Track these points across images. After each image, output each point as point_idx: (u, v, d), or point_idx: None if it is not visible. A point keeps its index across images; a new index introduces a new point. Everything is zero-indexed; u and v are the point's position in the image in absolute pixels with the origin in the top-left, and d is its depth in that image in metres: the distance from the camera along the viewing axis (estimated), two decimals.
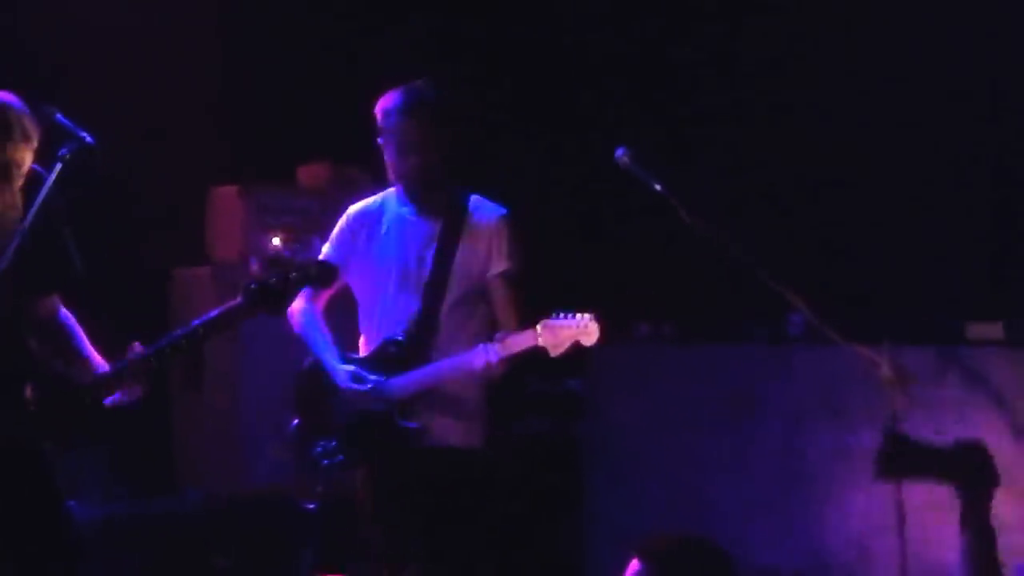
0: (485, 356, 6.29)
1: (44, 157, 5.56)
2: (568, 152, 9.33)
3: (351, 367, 6.58)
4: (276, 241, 5.95)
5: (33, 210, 5.42)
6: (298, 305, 6.69)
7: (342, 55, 9.47)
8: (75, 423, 5.72)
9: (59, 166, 5.45)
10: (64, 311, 5.81)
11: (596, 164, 6.93)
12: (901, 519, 7.01)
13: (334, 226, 7.66)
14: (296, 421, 6.77)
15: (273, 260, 5.79)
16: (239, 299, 5.59)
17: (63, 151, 5.46)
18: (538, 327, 6.25)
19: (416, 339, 6.58)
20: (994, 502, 7.13)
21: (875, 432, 7.18)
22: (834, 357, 7.19)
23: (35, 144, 5.55)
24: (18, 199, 5.55)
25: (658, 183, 6.47)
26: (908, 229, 8.66)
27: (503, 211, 6.67)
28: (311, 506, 6.58)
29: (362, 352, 6.68)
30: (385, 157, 6.63)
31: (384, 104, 6.59)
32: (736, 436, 8.18)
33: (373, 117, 6.62)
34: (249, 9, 9.37)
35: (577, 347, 6.31)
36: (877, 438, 7.17)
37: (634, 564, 5.11)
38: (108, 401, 5.63)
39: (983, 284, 8.43)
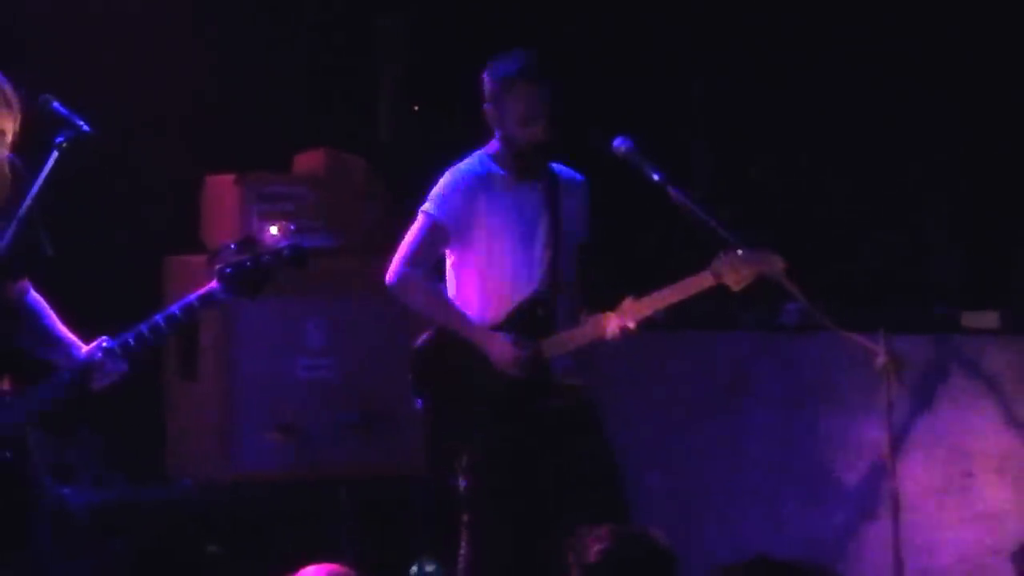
0: (619, 323, 6.33)
1: (41, 145, 5.42)
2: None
3: (510, 335, 6.43)
4: (273, 230, 5.88)
5: (25, 203, 5.35)
6: (414, 276, 6.56)
7: (337, 43, 9.42)
8: (60, 409, 5.58)
9: (55, 154, 5.36)
10: (34, 294, 5.67)
11: (580, 153, 6.83)
12: (896, 506, 7.00)
13: (330, 214, 7.57)
14: (420, 401, 6.63)
15: (244, 242, 5.72)
16: (214, 283, 5.55)
17: (59, 139, 5.38)
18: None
19: (554, 299, 6.56)
20: (990, 487, 7.36)
21: (870, 420, 7.42)
22: (829, 345, 7.19)
23: (18, 115, 5.41)
24: (5, 169, 5.45)
25: (656, 173, 6.43)
26: (904, 219, 8.62)
27: (582, 177, 6.69)
28: (460, 481, 6.44)
29: (484, 313, 6.55)
30: (494, 121, 6.55)
31: (505, 69, 6.53)
32: (730, 423, 8.10)
33: (480, 81, 6.56)
34: None
35: (761, 279, 6.32)
36: (873, 425, 7.27)
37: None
38: (96, 384, 5.51)
39: (978, 274, 8.33)
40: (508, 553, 6.37)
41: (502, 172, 6.55)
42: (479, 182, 6.55)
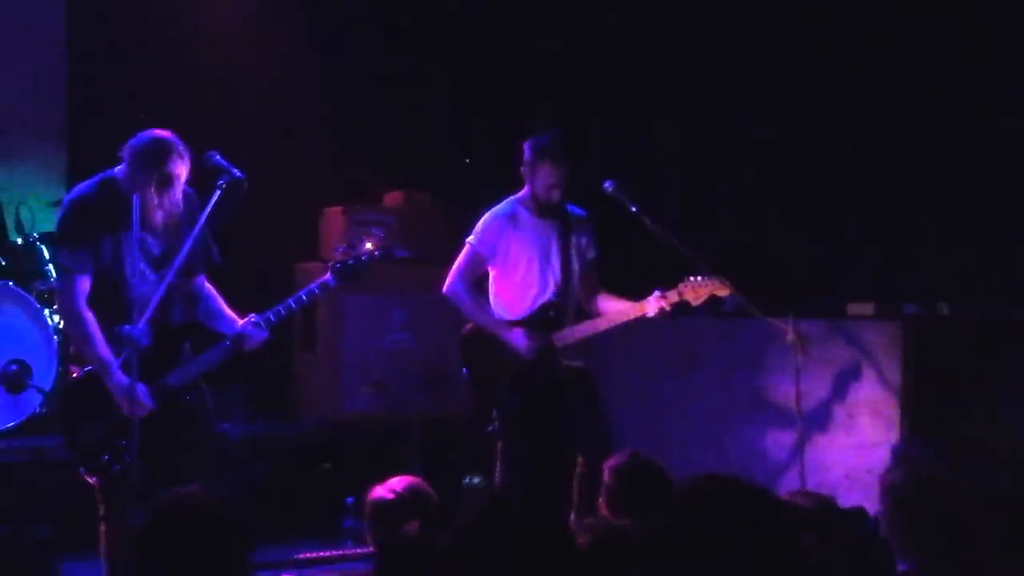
0: (659, 304, 6.36)
1: (208, 186, 5.49)
2: None
3: (523, 328, 6.50)
4: (368, 245, 5.97)
5: (199, 225, 5.41)
6: (460, 289, 6.62)
7: (419, 109, 9.11)
8: (222, 365, 5.61)
9: (218, 192, 5.42)
10: (207, 285, 5.71)
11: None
12: (801, 439, 7.09)
13: (408, 235, 7.65)
14: (465, 370, 6.69)
15: (348, 250, 5.89)
16: (328, 275, 5.67)
17: (221, 181, 5.44)
18: (683, 285, 6.36)
19: (564, 304, 6.58)
20: (866, 425, 7.20)
21: (784, 379, 7.34)
22: (756, 327, 7.13)
23: (188, 163, 5.45)
24: (182, 203, 5.48)
25: (634, 206, 6.51)
26: (808, 234, 8.41)
27: (586, 213, 6.71)
28: (494, 427, 6.52)
29: (515, 313, 6.57)
30: (527, 177, 6.58)
31: (539, 147, 6.53)
32: (683, 383, 8.01)
33: (521, 149, 6.59)
34: (348, 70, 9.06)
35: (712, 299, 6.45)
36: (786, 383, 7.23)
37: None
38: (247, 347, 5.55)
39: (860, 274, 8.16)
40: (524, 476, 6.43)
41: (527, 213, 6.61)
42: (509, 220, 6.60)
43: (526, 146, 6.58)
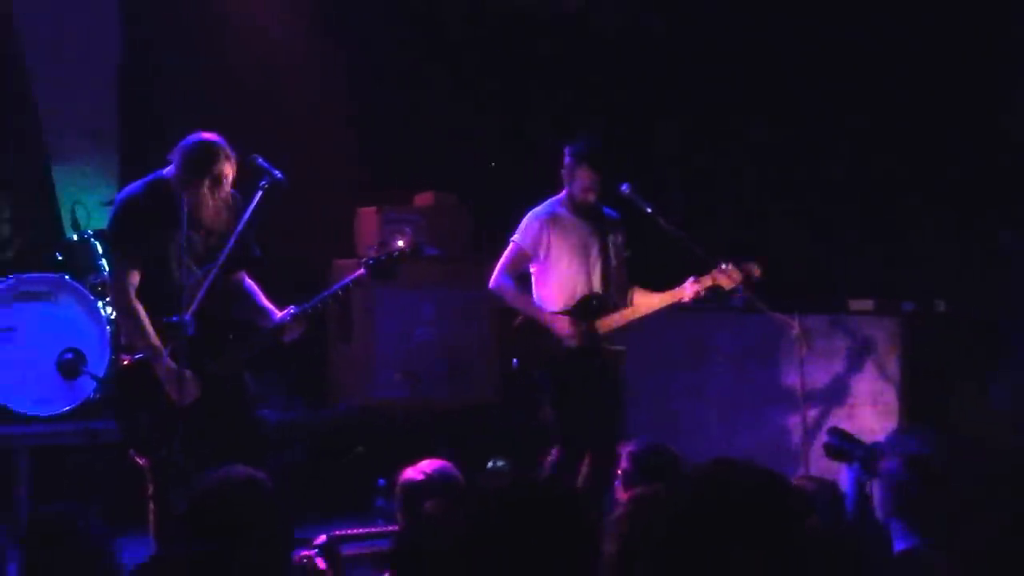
0: (694, 289, 6.43)
1: (250, 186, 5.53)
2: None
3: (568, 317, 6.51)
4: (400, 243, 5.97)
5: (242, 223, 5.45)
6: (505, 283, 6.64)
7: (448, 117, 9.02)
8: (262, 354, 5.67)
9: (260, 193, 5.47)
10: (248, 280, 5.75)
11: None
12: (805, 425, 7.08)
13: (436, 234, 7.63)
14: (516, 361, 6.68)
15: (380, 247, 5.88)
16: (362, 270, 5.68)
17: (263, 183, 5.48)
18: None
19: (604, 295, 6.59)
20: (866, 414, 7.21)
21: (789, 370, 7.38)
22: (763, 321, 7.07)
23: (235, 165, 5.50)
24: (228, 202, 5.54)
25: (649, 206, 6.53)
26: (812, 234, 8.32)
27: (618, 214, 6.73)
28: (546, 410, 6.58)
29: (557, 305, 6.57)
30: (566, 179, 6.60)
31: (578, 152, 6.55)
32: (695, 373, 8.00)
33: (562, 152, 6.61)
34: (383, 80, 9.01)
35: (733, 291, 6.53)
36: (791, 374, 7.25)
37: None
38: (287, 339, 5.59)
39: (861, 272, 8.06)
40: (576, 452, 6.39)
41: (567, 213, 6.63)
42: (550, 220, 6.61)
43: (566, 151, 6.59)
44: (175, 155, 5.49)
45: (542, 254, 6.60)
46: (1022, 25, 7.93)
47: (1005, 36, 8.01)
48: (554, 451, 6.49)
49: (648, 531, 3.26)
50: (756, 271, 6.46)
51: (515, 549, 2.74)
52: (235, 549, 3.44)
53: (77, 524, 3.70)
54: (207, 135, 5.51)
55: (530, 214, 6.67)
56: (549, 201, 6.68)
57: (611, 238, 6.64)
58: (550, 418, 6.56)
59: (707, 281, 6.43)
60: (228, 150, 5.49)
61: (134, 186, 5.59)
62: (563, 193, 6.64)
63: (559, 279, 6.61)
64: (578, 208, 6.61)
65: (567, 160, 6.57)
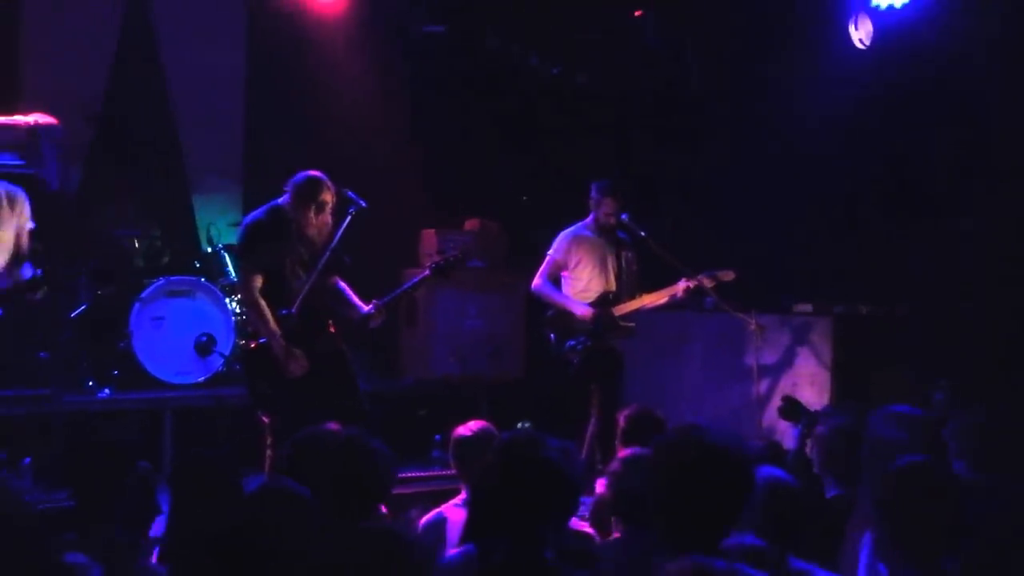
0: (685, 286, 6.52)
1: (342, 211, 5.55)
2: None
3: (588, 304, 6.63)
4: (455, 253, 6.07)
5: (335, 239, 5.49)
6: (543, 284, 6.71)
7: (491, 159, 8.87)
8: (354, 338, 5.69)
9: (348, 218, 5.50)
10: (341, 282, 5.70)
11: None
12: (759, 400, 7.04)
13: (481, 250, 7.57)
14: (552, 336, 6.72)
15: (439, 254, 6.11)
16: (427, 271, 5.78)
17: (351, 209, 5.51)
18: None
19: (618, 292, 6.69)
20: (806, 391, 7.07)
21: (747, 355, 7.30)
22: (728, 319, 7.05)
23: (334, 195, 5.49)
24: (327, 223, 5.51)
25: (643, 231, 6.61)
26: (770, 247, 7.93)
27: (630, 238, 6.77)
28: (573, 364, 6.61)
29: (584, 298, 6.68)
30: (593, 208, 6.68)
31: (602, 188, 6.67)
32: (677, 358, 7.99)
33: (588, 188, 6.71)
34: (441, 127, 8.85)
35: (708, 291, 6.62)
36: (749, 358, 7.18)
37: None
38: (372, 325, 5.60)
39: (805, 280, 7.88)
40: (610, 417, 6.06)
41: (590, 233, 6.75)
42: (577, 239, 6.74)
43: (593, 186, 6.70)
44: (289, 187, 5.50)
45: (571, 264, 6.75)
46: None
47: None
48: (593, 421, 6.52)
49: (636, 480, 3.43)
50: (730, 276, 6.56)
51: (526, 488, 2.91)
52: (324, 492, 3.29)
53: (213, 464, 3.68)
54: (314, 172, 5.51)
55: (563, 234, 6.77)
56: (576, 225, 6.78)
57: (624, 254, 6.75)
58: (576, 384, 6.61)
59: (693, 283, 6.52)
60: (329, 184, 5.49)
61: (257, 212, 5.59)
62: (589, 218, 6.74)
63: (584, 284, 6.75)
64: (600, 230, 6.72)
65: (594, 194, 6.68)
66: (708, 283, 6.56)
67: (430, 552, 3.45)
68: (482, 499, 3.08)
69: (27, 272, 5.45)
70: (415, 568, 2.48)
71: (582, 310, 6.65)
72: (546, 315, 6.82)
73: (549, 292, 6.78)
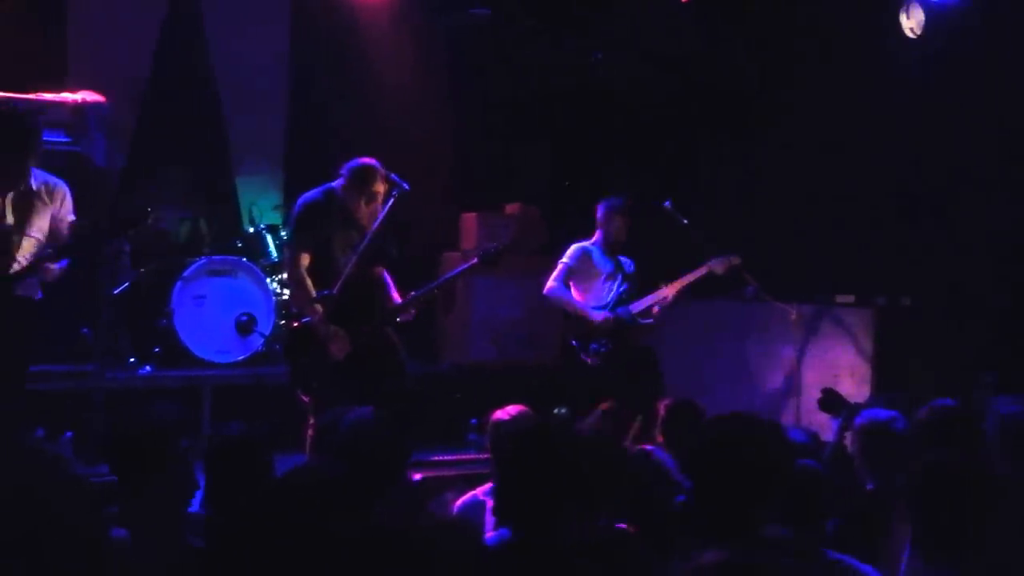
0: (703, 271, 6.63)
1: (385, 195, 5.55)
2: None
3: (603, 311, 6.68)
4: (495, 241, 6.11)
5: (378, 221, 5.47)
6: (557, 288, 6.73)
7: (532, 146, 8.89)
8: (392, 323, 5.68)
9: (392, 201, 5.50)
10: (384, 273, 5.72)
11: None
12: (798, 391, 7.13)
13: (520, 235, 7.65)
14: (575, 342, 6.75)
15: (482, 243, 6.12)
16: (474, 260, 5.81)
17: (395, 192, 5.49)
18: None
19: (628, 295, 6.73)
20: (847, 383, 7.02)
21: (787, 346, 7.39)
22: (768, 308, 7.11)
23: (385, 183, 5.51)
24: (377, 209, 5.52)
25: (685, 219, 6.64)
26: (810, 243, 7.86)
27: (632, 262, 6.87)
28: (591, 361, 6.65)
29: (595, 304, 6.74)
30: (601, 226, 6.75)
31: (612, 206, 6.76)
32: (711, 346, 7.97)
33: (594, 208, 6.80)
34: (488, 116, 8.83)
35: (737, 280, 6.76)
36: (788, 349, 7.23)
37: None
38: (400, 319, 5.61)
39: (847, 272, 7.81)
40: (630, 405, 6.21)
41: (599, 248, 6.81)
42: (586, 253, 6.80)
43: (600, 206, 6.78)
44: (344, 171, 5.51)
45: (583, 274, 6.79)
46: None
47: None
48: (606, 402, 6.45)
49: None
50: (737, 261, 6.59)
51: (556, 469, 2.92)
52: (358, 469, 3.31)
53: (248, 440, 3.63)
54: (368, 160, 5.53)
55: (575, 246, 6.84)
56: (588, 241, 6.84)
57: (624, 265, 6.80)
58: (596, 376, 6.63)
59: (703, 270, 6.61)
60: (383, 172, 5.51)
61: (312, 192, 5.59)
62: (597, 236, 6.80)
63: (594, 292, 6.79)
64: (610, 247, 6.79)
65: (602, 211, 6.77)
66: (719, 268, 6.61)
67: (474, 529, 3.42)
68: (512, 482, 3.07)
69: (61, 264, 5.26)
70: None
71: (599, 315, 6.69)
72: (564, 321, 6.86)
73: (565, 297, 6.78)
